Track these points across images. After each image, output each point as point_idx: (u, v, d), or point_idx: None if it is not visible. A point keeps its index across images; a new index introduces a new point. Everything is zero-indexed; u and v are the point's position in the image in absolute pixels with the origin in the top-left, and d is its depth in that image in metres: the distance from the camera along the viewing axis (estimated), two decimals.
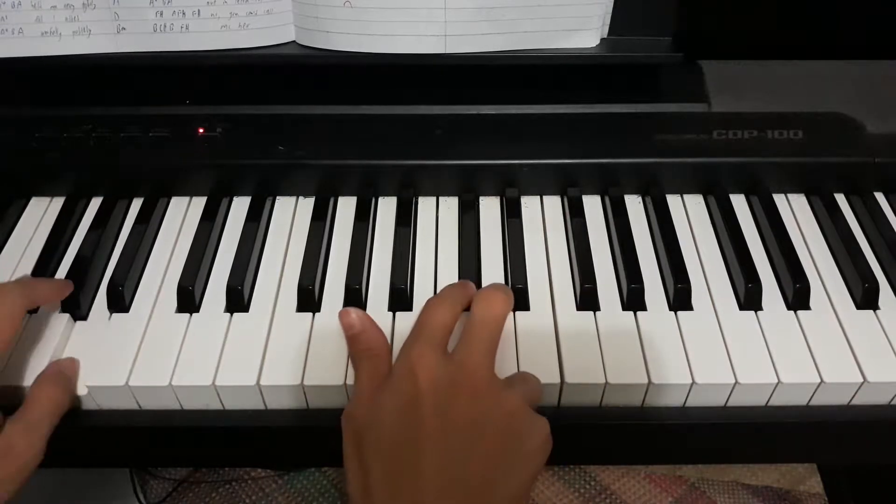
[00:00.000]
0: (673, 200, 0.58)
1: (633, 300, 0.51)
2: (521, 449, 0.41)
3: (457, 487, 0.40)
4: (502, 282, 0.53)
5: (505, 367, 0.47)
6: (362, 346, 0.46)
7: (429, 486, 0.39)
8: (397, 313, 0.50)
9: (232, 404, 0.48)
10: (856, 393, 0.47)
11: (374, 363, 0.45)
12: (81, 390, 0.47)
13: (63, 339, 0.49)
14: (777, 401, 0.48)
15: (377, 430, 0.41)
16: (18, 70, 0.58)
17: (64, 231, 0.57)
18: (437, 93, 0.60)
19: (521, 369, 0.47)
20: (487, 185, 0.59)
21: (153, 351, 0.48)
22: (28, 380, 0.47)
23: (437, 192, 0.59)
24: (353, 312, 0.48)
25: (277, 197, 0.59)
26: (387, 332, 0.49)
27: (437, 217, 0.58)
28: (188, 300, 0.51)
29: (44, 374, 0.46)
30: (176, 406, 0.48)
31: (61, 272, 0.54)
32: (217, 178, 0.59)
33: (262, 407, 0.48)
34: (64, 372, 0.47)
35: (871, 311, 0.51)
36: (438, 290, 0.52)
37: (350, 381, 0.47)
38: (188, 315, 0.51)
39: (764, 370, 0.47)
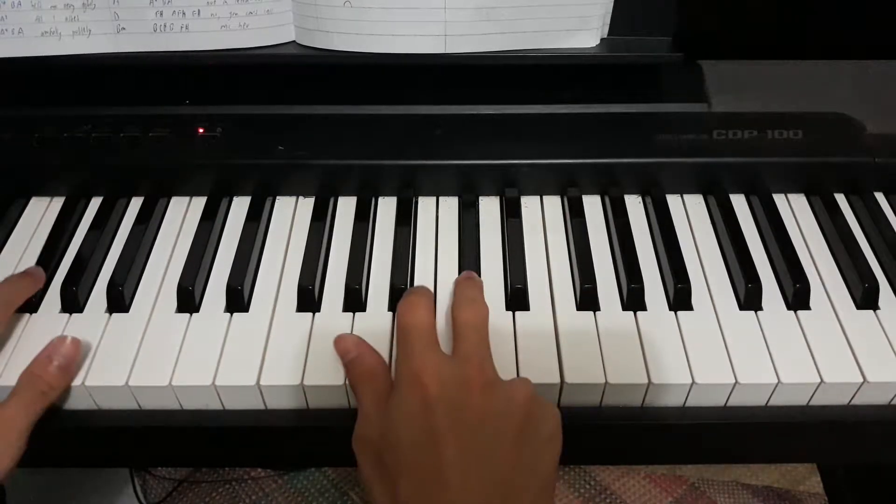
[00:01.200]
0: (673, 200, 0.58)
1: (633, 300, 0.51)
2: (541, 435, 0.41)
3: (487, 485, 0.39)
4: (502, 282, 0.53)
5: (505, 367, 0.47)
6: (360, 369, 0.46)
7: (459, 490, 0.38)
8: (397, 313, 0.50)
9: (232, 404, 0.48)
10: (856, 393, 0.47)
11: (374, 384, 0.45)
12: (78, 382, 0.47)
13: None
14: (777, 401, 0.48)
15: (395, 447, 0.40)
16: (18, 70, 0.58)
17: (64, 231, 0.57)
18: (437, 93, 0.60)
19: (521, 369, 0.47)
20: (487, 185, 0.59)
21: (153, 351, 0.48)
22: None
23: (437, 192, 0.59)
24: (348, 338, 0.47)
25: (277, 197, 0.59)
26: (387, 333, 0.49)
27: (437, 217, 0.58)
28: (188, 300, 0.51)
29: (32, 362, 0.46)
30: (176, 406, 0.48)
31: (61, 272, 0.54)
32: (217, 178, 0.59)
33: (262, 407, 0.48)
34: (51, 358, 0.46)
35: (871, 311, 0.51)
36: (439, 291, 0.52)
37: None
38: (188, 315, 0.51)
39: (764, 370, 0.47)
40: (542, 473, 0.41)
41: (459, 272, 0.53)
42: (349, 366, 0.46)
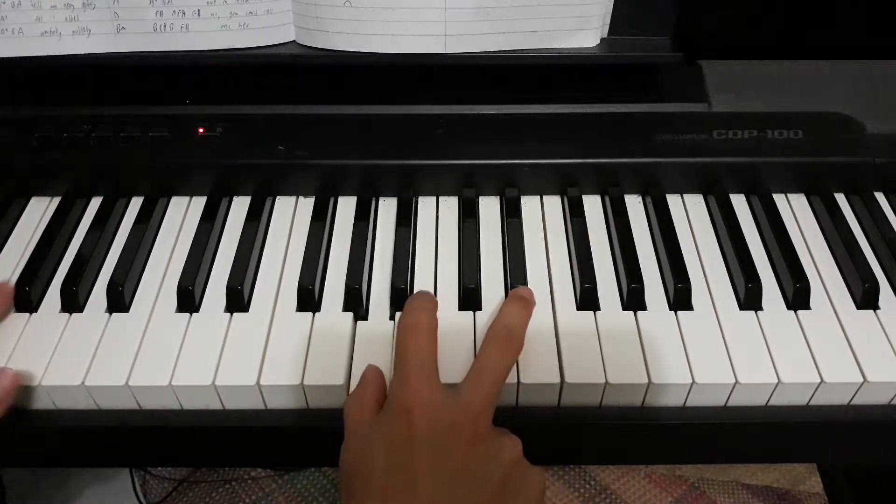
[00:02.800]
0: (673, 200, 0.58)
1: (633, 300, 0.51)
2: (519, 501, 0.40)
3: None
4: (502, 282, 0.53)
5: None
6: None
7: None
8: (397, 313, 0.50)
9: (232, 404, 0.48)
10: (856, 393, 0.47)
11: (360, 400, 0.43)
12: (78, 382, 0.47)
13: (62, 338, 0.49)
14: (777, 401, 0.48)
15: (368, 473, 0.39)
16: (18, 70, 0.58)
17: (64, 231, 0.57)
18: (437, 93, 0.60)
19: (521, 369, 0.47)
20: (487, 184, 0.59)
21: (153, 351, 0.48)
22: (30, 380, 0.47)
23: (437, 192, 0.59)
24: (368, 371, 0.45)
25: (277, 197, 0.59)
26: (387, 333, 0.49)
27: (437, 217, 0.58)
28: (188, 300, 0.51)
29: None
30: (176, 406, 0.48)
31: (61, 272, 0.54)
32: (217, 178, 0.59)
33: (262, 407, 0.48)
34: None
35: (871, 311, 0.51)
36: (439, 291, 0.52)
37: (351, 381, 0.47)
38: (188, 315, 0.51)
39: (764, 370, 0.47)
40: None
41: (460, 272, 0.53)
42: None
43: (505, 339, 0.44)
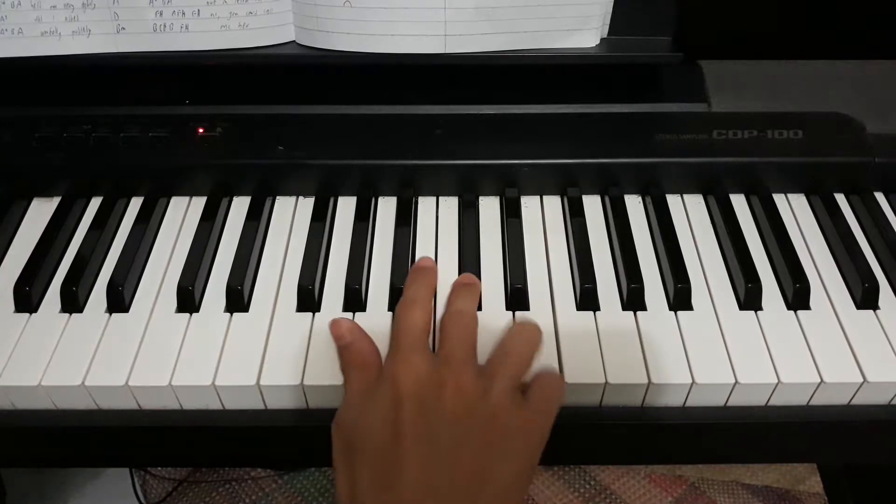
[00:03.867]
0: (673, 200, 0.58)
1: (633, 300, 0.51)
2: (509, 446, 0.41)
3: (443, 488, 0.39)
4: (502, 282, 0.53)
5: None
6: (352, 356, 0.46)
7: (412, 490, 0.39)
8: (397, 306, 0.50)
9: (232, 404, 0.48)
10: (856, 393, 0.47)
11: (363, 373, 0.45)
12: (78, 382, 0.47)
13: (62, 338, 0.49)
14: (777, 401, 0.48)
15: (363, 438, 0.41)
16: (18, 70, 0.58)
17: (64, 231, 0.57)
18: (437, 93, 0.60)
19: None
20: (487, 184, 0.59)
21: (153, 351, 0.48)
22: (29, 380, 0.47)
23: (437, 192, 0.59)
24: (344, 323, 0.48)
25: (277, 197, 0.59)
26: (387, 332, 0.49)
27: (437, 217, 0.58)
28: (188, 300, 0.51)
29: None
30: (176, 406, 0.48)
31: (60, 271, 0.54)
32: (217, 178, 0.59)
33: (262, 407, 0.48)
34: None
35: (871, 311, 0.51)
36: (438, 291, 0.52)
37: None
38: (188, 315, 0.51)
39: (764, 370, 0.47)
40: (505, 483, 0.40)
41: (460, 272, 0.53)
42: (342, 351, 0.47)
43: (457, 316, 0.47)
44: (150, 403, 0.48)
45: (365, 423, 0.42)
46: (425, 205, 0.59)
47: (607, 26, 0.58)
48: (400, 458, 0.40)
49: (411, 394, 0.41)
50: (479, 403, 0.42)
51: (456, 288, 0.51)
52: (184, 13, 0.56)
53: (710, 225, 0.57)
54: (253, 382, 0.47)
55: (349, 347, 0.46)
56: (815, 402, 0.48)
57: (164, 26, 0.56)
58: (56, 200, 0.59)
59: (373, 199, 0.59)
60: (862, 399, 0.48)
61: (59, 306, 0.52)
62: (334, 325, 0.48)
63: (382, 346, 0.48)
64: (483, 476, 0.40)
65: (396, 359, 0.44)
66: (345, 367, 0.46)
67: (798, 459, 0.89)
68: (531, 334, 0.46)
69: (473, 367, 0.44)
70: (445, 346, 0.45)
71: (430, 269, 0.51)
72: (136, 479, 1.00)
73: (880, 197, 0.59)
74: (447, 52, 0.57)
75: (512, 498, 0.41)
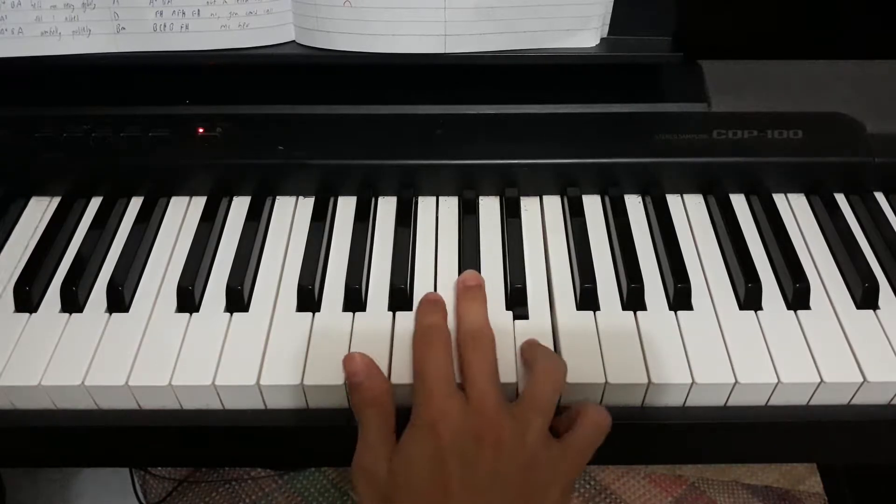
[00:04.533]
0: (673, 200, 0.58)
1: (633, 300, 0.51)
2: (547, 490, 0.42)
3: None
4: (502, 282, 0.53)
5: (505, 367, 0.46)
6: (367, 394, 0.45)
7: None
8: (397, 313, 0.50)
9: (232, 404, 0.48)
10: (856, 393, 0.47)
11: (380, 413, 0.44)
12: (77, 382, 0.47)
13: (62, 338, 0.49)
14: (777, 401, 0.48)
15: (407, 489, 0.41)
16: (18, 70, 0.58)
17: (64, 231, 0.57)
18: (437, 93, 0.60)
19: (521, 369, 0.47)
20: (487, 184, 0.59)
21: (153, 351, 0.48)
22: (29, 380, 0.47)
23: (437, 192, 0.59)
24: (358, 358, 0.46)
25: (277, 197, 0.59)
26: (387, 332, 0.49)
27: (437, 217, 0.58)
28: (188, 300, 0.51)
29: None
30: (176, 406, 0.48)
31: (60, 271, 0.54)
32: (217, 178, 0.59)
33: (261, 407, 0.48)
34: None
35: (871, 311, 0.51)
36: (439, 291, 0.52)
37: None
38: (188, 315, 0.51)
39: (764, 370, 0.47)
40: None
41: (459, 272, 0.53)
42: (355, 388, 0.46)
43: (474, 341, 0.46)
44: (149, 403, 0.48)
45: (405, 475, 0.42)
46: (425, 205, 0.59)
47: (607, 26, 0.58)
48: None
49: (453, 448, 0.41)
50: (517, 452, 0.42)
51: (462, 292, 0.50)
52: (184, 13, 0.56)
53: (710, 225, 0.57)
54: (253, 382, 0.47)
55: (363, 385, 0.45)
56: (815, 402, 0.48)
57: (164, 26, 0.56)
58: (56, 200, 0.59)
59: (373, 199, 0.59)
60: (862, 399, 0.48)
61: (59, 306, 0.52)
62: (348, 360, 0.46)
63: (383, 345, 0.48)
64: None
65: (429, 404, 0.43)
66: (359, 406, 0.45)
67: (798, 459, 0.89)
68: (557, 373, 0.45)
69: (506, 411, 0.43)
70: (474, 389, 0.44)
71: (439, 302, 0.50)
72: (136, 479, 1.01)
73: (880, 197, 0.59)
74: (447, 52, 0.57)
75: None
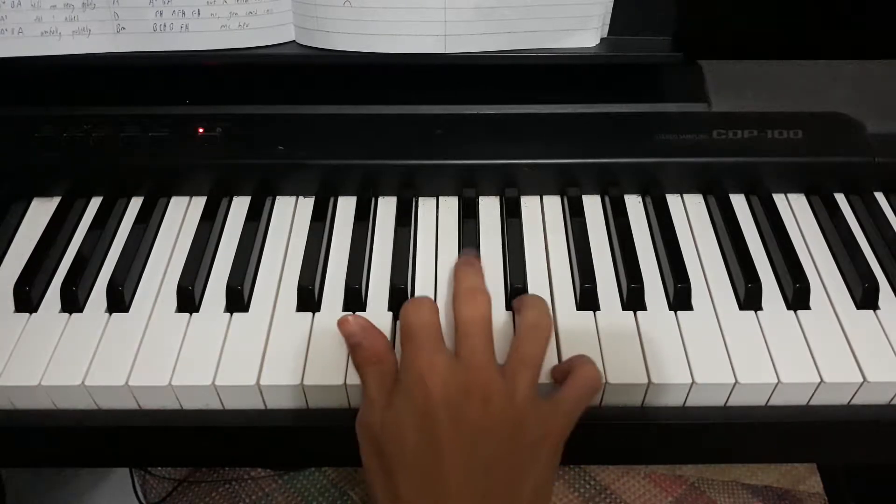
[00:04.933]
0: (673, 200, 0.58)
1: (633, 300, 0.51)
2: (535, 450, 0.42)
3: (483, 489, 0.40)
4: (502, 282, 0.53)
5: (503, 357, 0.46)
6: (367, 353, 0.46)
7: (456, 492, 0.40)
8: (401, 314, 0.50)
9: (232, 404, 0.48)
10: (856, 393, 0.47)
11: (380, 369, 0.45)
12: (77, 382, 0.47)
13: (62, 338, 0.49)
14: (777, 401, 0.48)
15: (399, 443, 0.42)
16: (18, 70, 0.58)
17: (64, 231, 0.56)
18: (437, 93, 0.60)
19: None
20: (487, 184, 0.59)
21: (153, 351, 0.48)
22: (29, 380, 0.47)
23: (437, 192, 0.59)
24: (353, 320, 0.48)
25: (277, 197, 0.59)
26: (387, 332, 0.49)
27: (437, 217, 0.58)
28: (188, 300, 0.51)
29: None
30: (176, 406, 0.48)
31: (60, 271, 0.54)
32: (217, 177, 0.59)
33: (262, 407, 0.48)
34: None
35: (871, 311, 0.51)
36: (439, 291, 0.52)
37: (350, 380, 0.46)
38: (188, 315, 0.51)
39: (764, 370, 0.47)
40: (536, 479, 0.42)
41: None
42: (354, 348, 0.47)
43: (469, 296, 0.47)
44: (149, 403, 0.48)
45: (396, 429, 0.42)
46: (425, 205, 0.59)
47: (607, 26, 0.58)
48: (441, 463, 0.40)
49: (442, 402, 0.41)
50: (505, 409, 0.42)
51: (459, 265, 0.50)
52: (184, 13, 0.56)
53: (710, 225, 0.57)
54: (253, 382, 0.47)
55: (361, 345, 0.46)
56: (815, 402, 0.48)
57: (164, 26, 0.56)
58: (56, 200, 0.59)
59: (373, 199, 0.59)
60: (862, 399, 0.48)
61: (59, 306, 0.52)
62: (343, 323, 0.48)
63: None
64: (515, 481, 0.41)
65: (418, 359, 0.43)
66: (360, 365, 0.46)
67: (798, 459, 0.89)
68: (544, 330, 0.46)
69: (496, 369, 0.44)
70: (465, 344, 0.44)
71: (426, 297, 0.51)
72: (136, 479, 1.00)
73: (880, 197, 0.59)
74: (447, 52, 0.57)
75: (542, 498, 0.42)
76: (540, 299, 0.48)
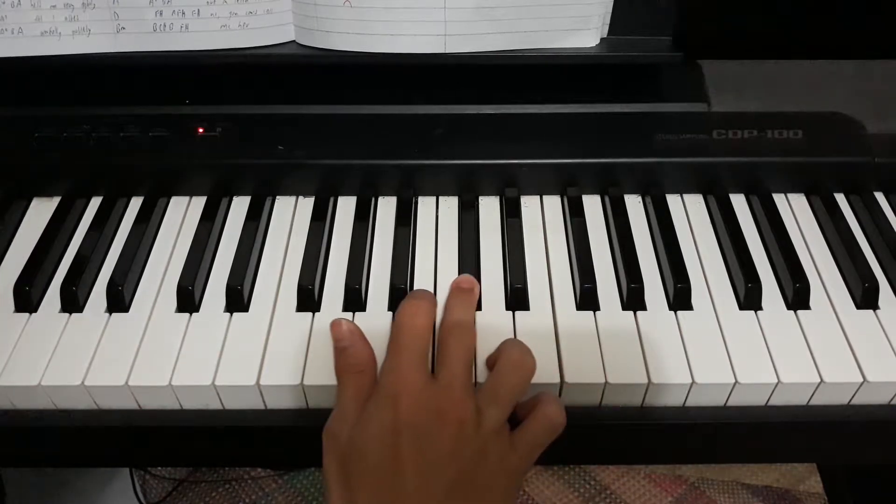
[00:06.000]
0: (673, 200, 0.58)
1: (633, 300, 0.51)
2: (493, 480, 0.42)
3: None
4: (502, 282, 0.53)
5: None
6: (349, 360, 0.46)
7: None
8: (396, 317, 0.50)
9: (232, 404, 0.48)
10: (856, 393, 0.47)
11: (358, 380, 0.45)
12: (77, 382, 0.47)
13: (62, 338, 0.49)
14: (777, 401, 0.48)
15: (361, 457, 0.42)
16: (18, 70, 0.58)
17: (64, 231, 0.57)
18: (437, 93, 0.60)
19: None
20: (487, 184, 0.59)
21: (153, 351, 0.48)
22: (29, 380, 0.47)
23: (437, 192, 0.59)
24: (345, 325, 0.47)
25: (277, 197, 0.59)
26: (386, 332, 0.49)
27: (437, 217, 0.58)
28: (188, 300, 0.51)
29: None
30: (176, 406, 0.48)
31: (60, 271, 0.54)
32: (217, 178, 0.59)
33: (261, 407, 0.48)
34: None
35: (871, 311, 0.51)
36: (439, 290, 0.52)
37: None
38: (188, 315, 0.51)
39: (764, 370, 0.47)
40: (496, 500, 0.42)
41: (459, 272, 0.53)
42: (340, 353, 0.46)
43: (456, 329, 0.47)
44: (149, 403, 0.48)
45: (362, 443, 0.42)
46: (425, 205, 0.59)
47: (607, 26, 0.58)
48: (402, 489, 0.40)
49: (410, 422, 0.41)
50: (472, 438, 0.42)
51: (454, 292, 0.50)
52: (184, 13, 0.56)
53: (710, 225, 0.57)
54: (253, 382, 0.47)
55: (347, 351, 0.46)
56: (815, 402, 0.48)
57: (164, 26, 0.56)
58: (56, 200, 0.59)
59: (373, 199, 0.59)
60: (862, 399, 0.48)
61: (59, 306, 0.52)
62: (335, 325, 0.48)
63: (383, 345, 0.48)
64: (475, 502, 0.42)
65: (396, 375, 0.43)
66: (340, 371, 0.46)
67: (798, 459, 0.89)
68: (525, 371, 0.45)
69: (471, 398, 0.43)
70: (445, 369, 0.44)
71: (427, 292, 0.51)
72: (136, 479, 1.01)
73: (880, 197, 0.59)
74: (447, 52, 0.57)
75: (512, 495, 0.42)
76: (525, 346, 0.47)
